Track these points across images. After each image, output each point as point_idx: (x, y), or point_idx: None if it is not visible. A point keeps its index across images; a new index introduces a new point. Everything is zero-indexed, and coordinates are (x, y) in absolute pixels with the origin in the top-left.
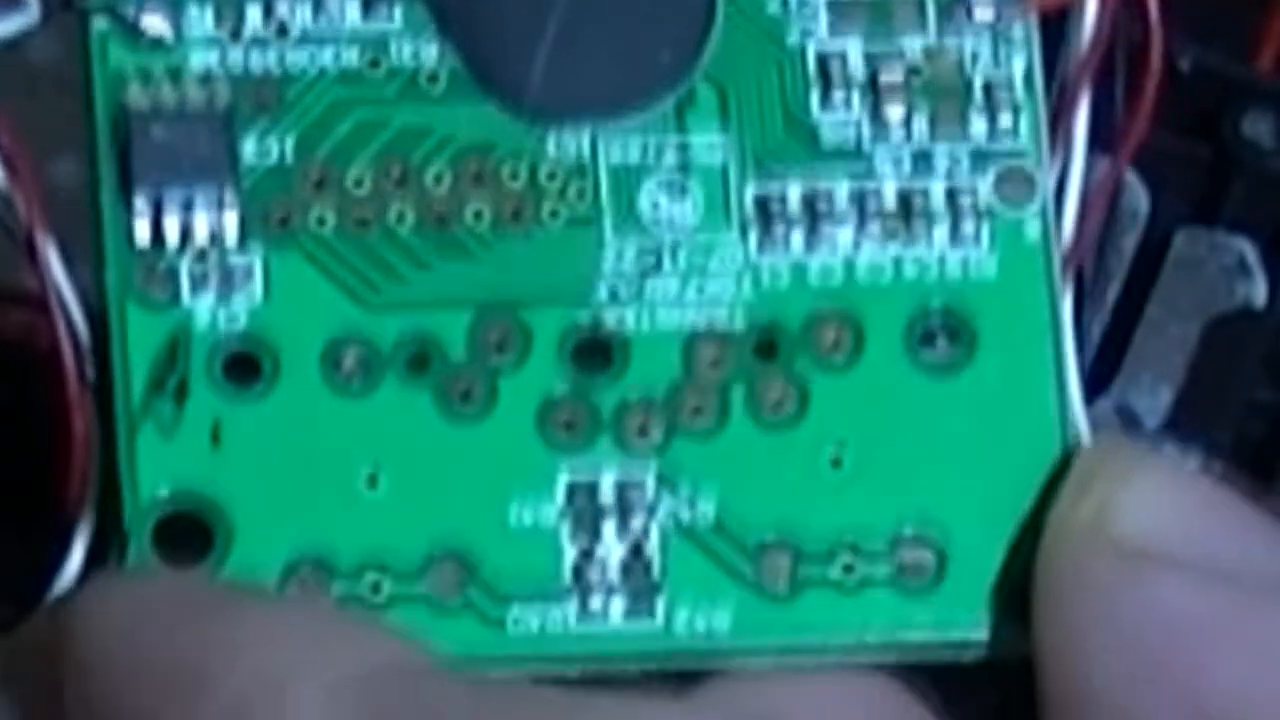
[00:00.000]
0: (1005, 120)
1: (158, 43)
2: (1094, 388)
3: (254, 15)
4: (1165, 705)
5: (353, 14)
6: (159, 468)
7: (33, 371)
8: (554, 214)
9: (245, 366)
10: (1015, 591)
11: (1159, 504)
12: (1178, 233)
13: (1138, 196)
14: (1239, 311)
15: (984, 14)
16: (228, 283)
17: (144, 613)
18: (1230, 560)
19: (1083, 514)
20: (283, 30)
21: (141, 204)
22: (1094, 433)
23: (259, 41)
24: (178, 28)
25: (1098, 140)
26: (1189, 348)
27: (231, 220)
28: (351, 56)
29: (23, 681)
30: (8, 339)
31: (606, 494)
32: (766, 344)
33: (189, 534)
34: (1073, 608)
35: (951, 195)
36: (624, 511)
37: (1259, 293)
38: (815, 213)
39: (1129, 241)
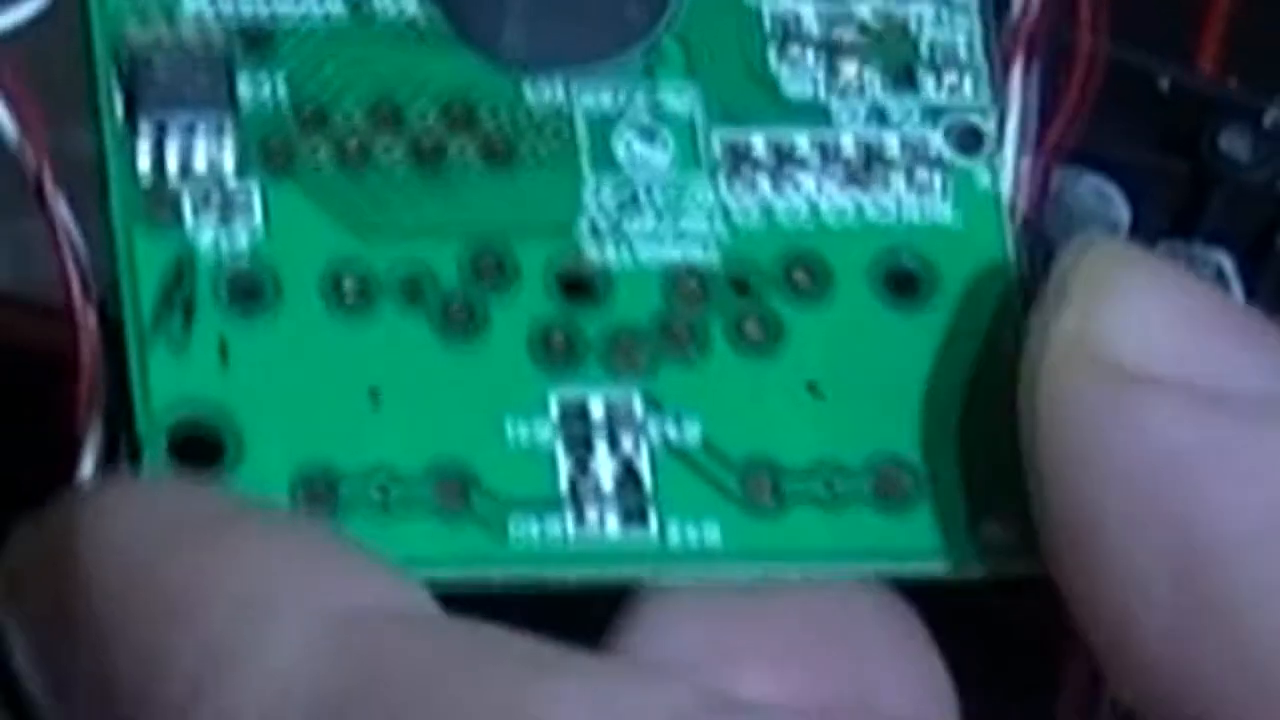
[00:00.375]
0: (952, 78)
1: None
2: None
3: None
4: (1156, 536)
5: None
6: (171, 383)
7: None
8: (534, 154)
9: (249, 289)
10: (990, 512)
11: (1144, 318)
12: (1159, 245)
13: (1120, 210)
14: None
15: None
16: (228, 211)
17: (141, 529)
18: (1222, 379)
19: (1064, 326)
20: None
21: (145, 134)
22: None
23: None
24: None
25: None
26: None
27: (230, 151)
28: (336, 7)
29: (32, 589)
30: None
31: (596, 414)
32: (741, 280)
33: (199, 451)
34: (1059, 434)
35: (906, 146)
36: (613, 431)
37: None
38: (780, 159)
39: None
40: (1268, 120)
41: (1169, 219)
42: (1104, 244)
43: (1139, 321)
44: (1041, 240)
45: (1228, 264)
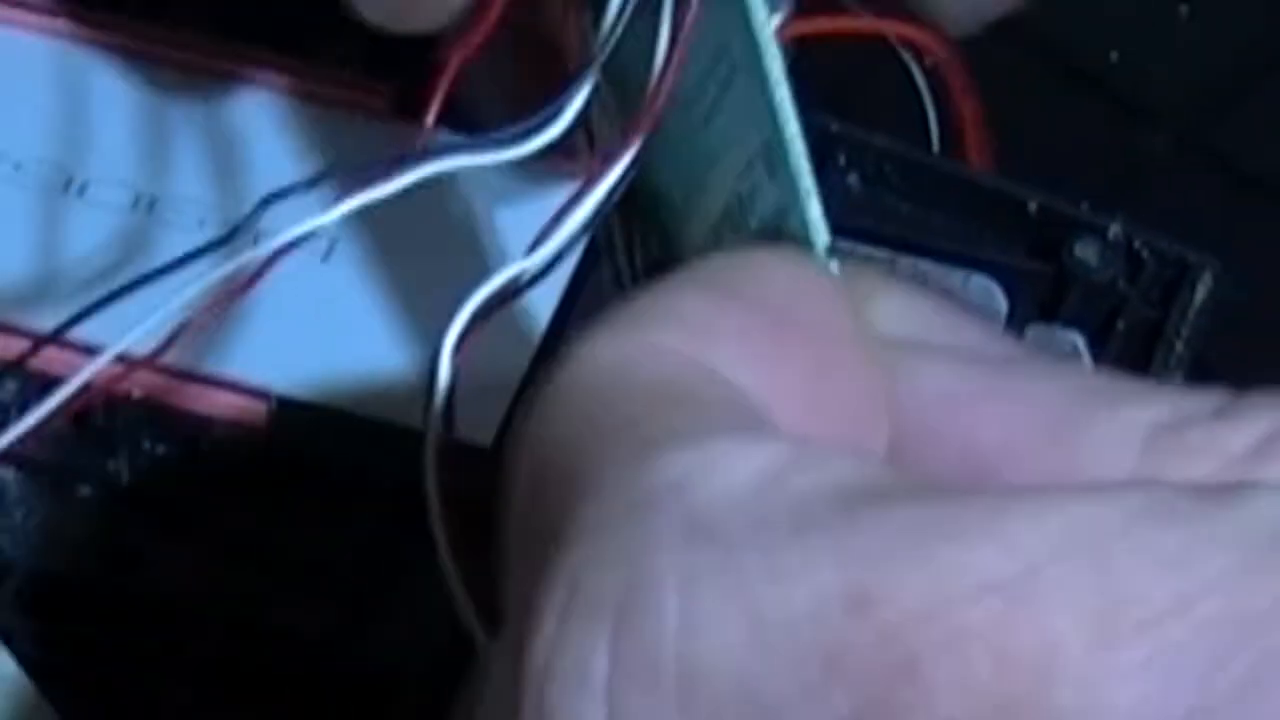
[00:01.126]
0: None
1: None
2: None
3: None
4: (948, 463)
5: None
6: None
7: None
8: None
9: None
10: None
11: (904, 311)
12: (1029, 328)
13: (1000, 302)
14: None
15: None
16: None
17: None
18: (969, 345)
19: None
20: None
21: None
22: None
23: None
24: None
25: None
26: None
27: None
28: None
29: None
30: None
31: None
32: None
33: None
34: None
35: None
36: None
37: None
38: None
39: None
40: (1111, 235)
41: (1037, 309)
42: (864, 270)
43: (901, 315)
44: None
45: (1080, 343)
